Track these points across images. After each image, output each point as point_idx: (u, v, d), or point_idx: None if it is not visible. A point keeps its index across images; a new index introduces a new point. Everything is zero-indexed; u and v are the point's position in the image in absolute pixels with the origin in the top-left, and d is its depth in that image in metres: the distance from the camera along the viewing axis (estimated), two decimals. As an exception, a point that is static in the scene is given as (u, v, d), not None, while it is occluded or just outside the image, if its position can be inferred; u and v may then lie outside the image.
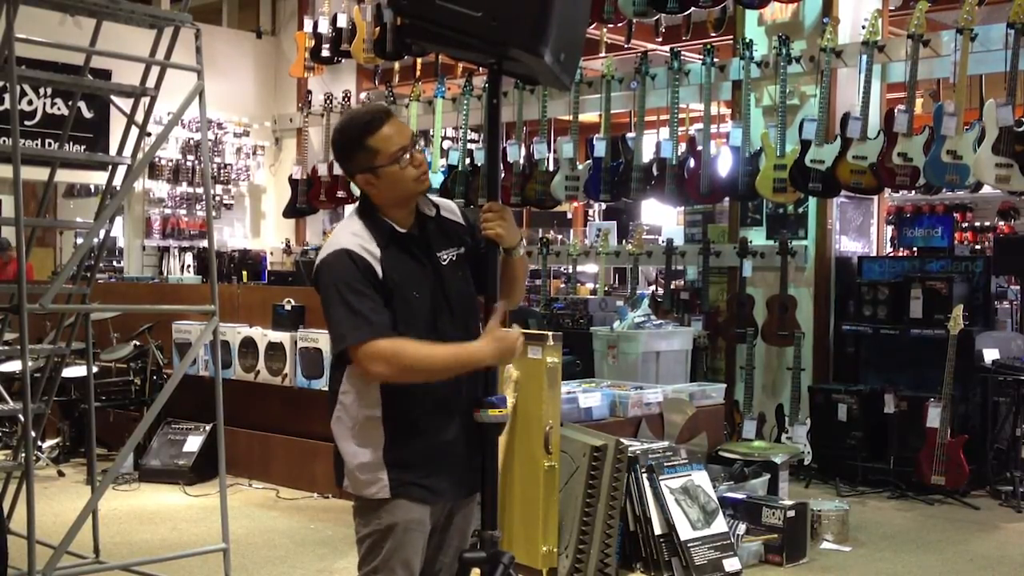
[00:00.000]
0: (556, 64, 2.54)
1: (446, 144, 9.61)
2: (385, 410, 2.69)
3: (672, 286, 8.55)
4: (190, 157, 10.94)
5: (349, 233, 2.71)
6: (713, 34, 7.96)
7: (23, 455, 3.98)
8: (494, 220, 2.68)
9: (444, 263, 2.77)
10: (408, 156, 2.69)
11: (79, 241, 5.37)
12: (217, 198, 11.13)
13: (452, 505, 2.82)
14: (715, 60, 7.76)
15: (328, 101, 10.54)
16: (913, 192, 7.98)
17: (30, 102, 9.66)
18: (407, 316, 2.67)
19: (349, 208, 10.42)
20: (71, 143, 9.06)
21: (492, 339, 2.63)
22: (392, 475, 2.68)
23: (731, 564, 4.74)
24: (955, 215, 9.55)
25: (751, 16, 7.83)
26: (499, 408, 2.67)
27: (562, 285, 10.10)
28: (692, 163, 7.72)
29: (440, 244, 2.78)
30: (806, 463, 6.94)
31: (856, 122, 6.87)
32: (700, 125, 7.82)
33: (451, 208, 2.89)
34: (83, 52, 4.64)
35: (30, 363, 4.27)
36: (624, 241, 9.39)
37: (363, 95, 10.95)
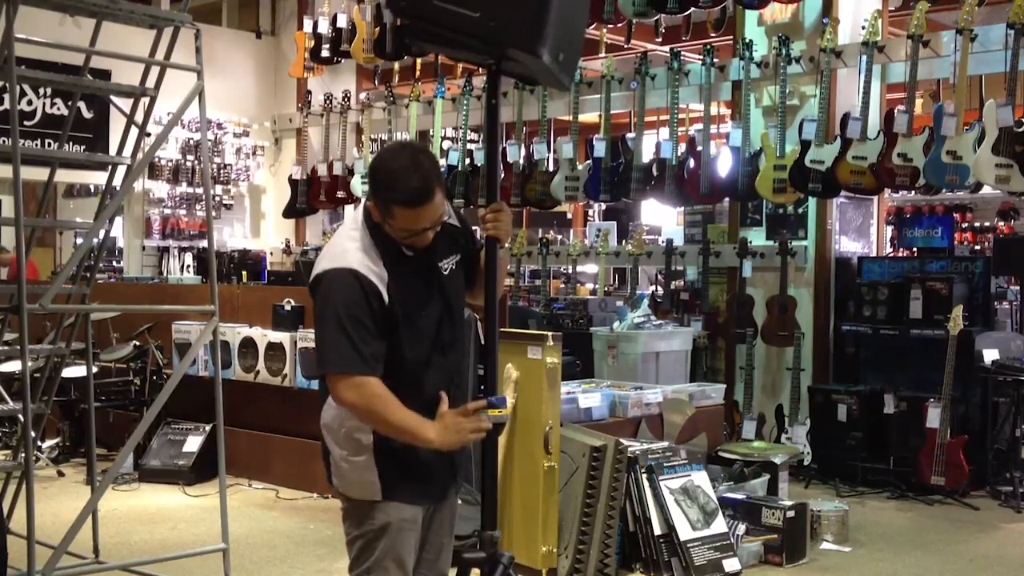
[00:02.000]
0: (555, 64, 2.54)
1: (446, 144, 9.61)
2: None
3: (672, 286, 8.56)
4: (190, 157, 10.93)
5: (357, 248, 2.65)
6: (713, 34, 7.96)
7: (23, 455, 3.98)
8: (502, 219, 2.68)
9: (445, 272, 2.76)
10: (423, 233, 2.65)
11: (79, 241, 5.37)
12: (217, 198, 11.13)
13: (436, 503, 2.82)
14: (715, 60, 7.76)
15: (328, 101, 10.54)
16: (913, 192, 7.98)
17: (30, 102, 9.66)
18: (413, 337, 2.66)
19: (349, 208, 10.43)
20: (71, 143, 9.05)
21: (446, 427, 2.62)
22: (383, 476, 2.68)
23: (731, 564, 4.74)
24: (955, 215, 9.55)
25: (751, 16, 7.83)
26: (499, 408, 2.68)
27: (562, 285, 10.10)
28: (692, 163, 7.72)
29: (442, 253, 2.77)
30: (806, 463, 6.94)
31: (856, 122, 6.87)
32: (700, 125, 7.82)
33: (448, 211, 2.88)
34: (83, 52, 4.64)
35: (30, 363, 4.27)
36: (624, 241, 9.39)
37: (363, 95, 10.94)
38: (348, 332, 2.57)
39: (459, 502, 2.98)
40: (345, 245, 2.68)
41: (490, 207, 2.69)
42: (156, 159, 10.50)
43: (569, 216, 14.16)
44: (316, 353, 2.67)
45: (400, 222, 2.62)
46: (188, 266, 11.06)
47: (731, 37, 7.97)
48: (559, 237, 11.67)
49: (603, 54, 8.54)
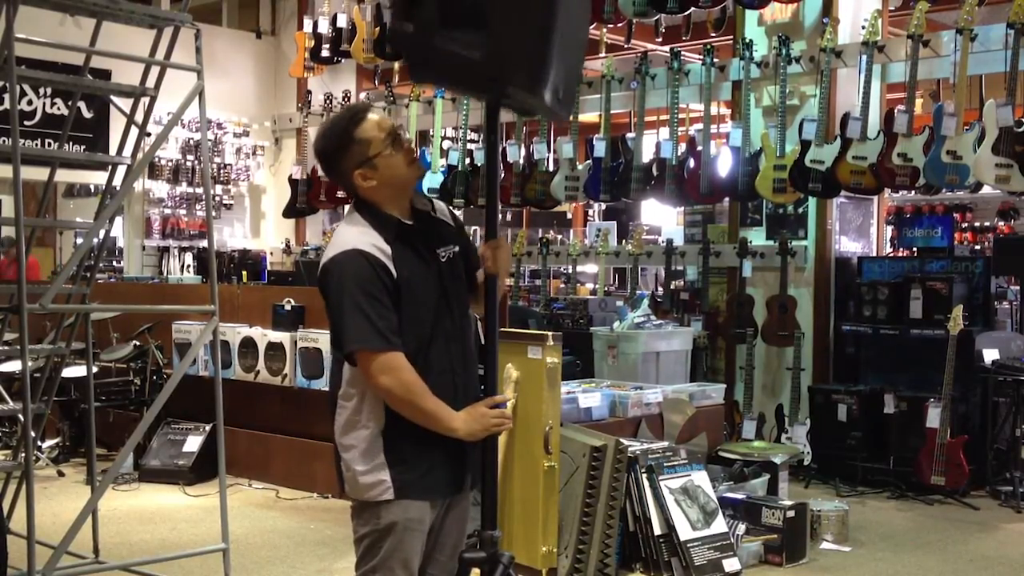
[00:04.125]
0: (555, 101, 2.56)
1: (446, 144, 9.60)
2: (387, 411, 2.69)
3: (672, 286, 8.56)
4: (190, 157, 10.93)
5: (356, 231, 2.69)
6: (713, 34, 7.96)
7: (23, 455, 3.98)
8: (501, 256, 2.68)
9: (443, 260, 2.78)
10: (399, 139, 2.73)
11: (79, 241, 5.37)
12: (217, 198, 11.13)
13: (449, 502, 2.83)
14: (715, 60, 7.76)
15: (328, 101, 10.53)
16: (913, 192, 7.98)
17: (30, 102, 9.66)
18: (414, 315, 2.68)
19: (349, 208, 10.40)
20: (71, 143, 9.05)
21: (472, 416, 2.67)
22: (394, 475, 2.69)
23: (731, 564, 4.74)
24: (955, 215, 9.55)
25: (751, 16, 7.83)
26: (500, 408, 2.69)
27: (562, 285, 10.10)
28: (692, 163, 7.72)
29: (438, 241, 2.79)
30: (806, 463, 6.94)
31: (856, 122, 6.87)
32: (700, 125, 7.82)
33: (442, 209, 2.91)
34: (83, 52, 4.64)
35: (30, 363, 4.27)
36: (624, 241, 9.39)
37: (363, 95, 10.95)
38: (364, 309, 2.60)
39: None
40: (345, 235, 2.72)
41: (488, 243, 2.69)
42: (156, 159, 10.50)
43: (569, 216, 14.16)
44: (340, 337, 2.66)
45: (376, 140, 2.70)
46: (188, 266, 11.06)
47: (731, 37, 7.97)
48: (559, 237, 11.67)
49: (603, 54, 8.54)
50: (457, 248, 2.83)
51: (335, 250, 2.68)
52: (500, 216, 2.64)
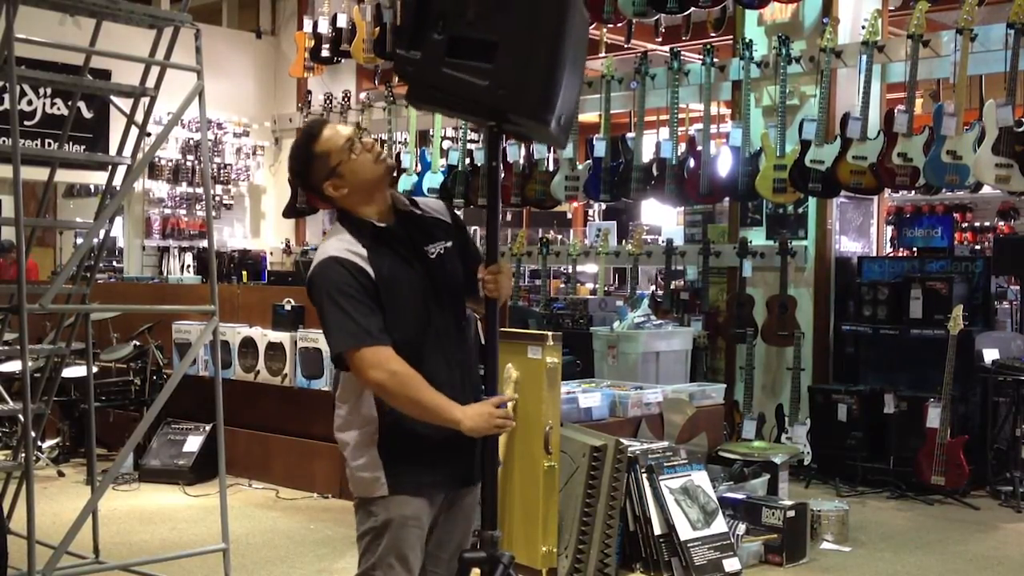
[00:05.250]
0: (557, 127, 2.57)
1: (446, 144, 9.61)
2: (381, 409, 2.72)
3: (672, 286, 8.56)
4: (190, 157, 10.94)
5: (334, 240, 2.75)
6: (713, 34, 7.96)
7: (23, 455, 3.99)
8: (501, 281, 2.68)
9: (432, 256, 2.80)
10: (357, 144, 2.76)
11: (79, 241, 5.37)
12: (217, 198, 11.13)
13: (452, 498, 2.84)
14: (715, 60, 7.76)
15: (328, 101, 10.54)
16: (913, 192, 7.97)
17: (30, 102, 9.66)
18: (399, 314, 2.70)
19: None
20: (71, 143, 9.05)
21: (478, 412, 2.65)
22: (389, 471, 2.72)
23: (731, 564, 4.74)
24: (955, 215, 9.56)
25: (751, 16, 7.83)
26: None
27: (562, 285, 10.10)
28: (692, 163, 7.72)
29: (425, 238, 2.81)
30: (806, 463, 6.94)
31: (856, 122, 6.87)
32: (700, 125, 7.82)
33: (436, 208, 2.93)
34: (83, 52, 4.64)
35: (30, 363, 4.27)
36: (624, 241, 9.39)
37: (363, 95, 10.94)
38: (346, 310, 2.65)
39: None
40: (324, 246, 2.79)
41: (489, 268, 2.69)
42: (156, 159, 10.51)
43: (569, 216, 14.15)
44: (327, 342, 2.73)
45: (334, 151, 2.74)
46: (188, 266, 11.07)
47: (731, 37, 7.97)
48: (559, 237, 11.66)
49: (603, 54, 8.54)
50: (450, 243, 2.84)
51: (315, 262, 2.75)
52: (500, 216, 2.60)
